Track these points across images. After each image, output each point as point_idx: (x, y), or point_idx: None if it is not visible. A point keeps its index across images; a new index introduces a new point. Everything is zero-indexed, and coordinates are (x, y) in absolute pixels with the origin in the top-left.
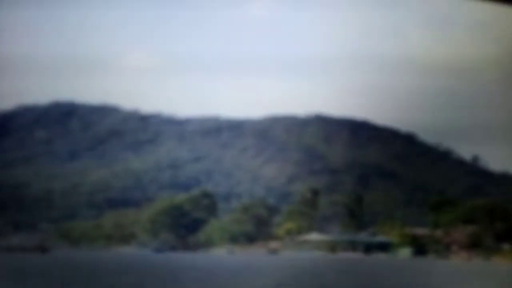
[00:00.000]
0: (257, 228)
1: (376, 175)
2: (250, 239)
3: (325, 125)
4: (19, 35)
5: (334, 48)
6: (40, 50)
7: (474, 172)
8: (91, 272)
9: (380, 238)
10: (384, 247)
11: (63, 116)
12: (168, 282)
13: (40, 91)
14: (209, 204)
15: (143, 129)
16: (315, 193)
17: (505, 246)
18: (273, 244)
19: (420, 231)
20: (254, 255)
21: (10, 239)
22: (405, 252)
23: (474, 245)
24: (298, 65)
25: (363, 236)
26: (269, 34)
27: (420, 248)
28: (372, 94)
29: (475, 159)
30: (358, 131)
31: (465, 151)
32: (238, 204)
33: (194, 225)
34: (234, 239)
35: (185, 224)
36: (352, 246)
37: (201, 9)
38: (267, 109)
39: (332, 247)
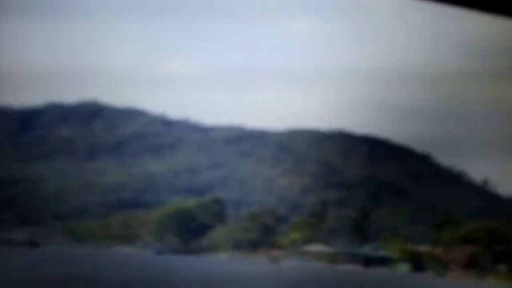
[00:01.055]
0: (262, 236)
1: (388, 192)
2: (254, 246)
3: (346, 141)
4: (55, 43)
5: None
6: (75, 58)
7: (483, 195)
8: (64, 267)
9: (381, 252)
10: (384, 261)
11: (89, 116)
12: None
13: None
14: (218, 211)
15: (166, 134)
16: (324, 205)
17: (501, 267)
18: (276, 253)
19: (421, 248)
20: (254, 262)
21: (13, 233)
22: (403, 267)
23: (471, 264)
24: (325, 78)
25: (365, 250)
26: (300, 48)
27: (418, 264)
28: (395, 112)
29: (485, 182)
30: (377, 149)
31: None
32: (248, 212)
33: (200, 230)
34: (237, 245)
35: (192, 229)
36: (353, 259)
37: (230, 21)
38: (291, 122)
39: (333, 258)
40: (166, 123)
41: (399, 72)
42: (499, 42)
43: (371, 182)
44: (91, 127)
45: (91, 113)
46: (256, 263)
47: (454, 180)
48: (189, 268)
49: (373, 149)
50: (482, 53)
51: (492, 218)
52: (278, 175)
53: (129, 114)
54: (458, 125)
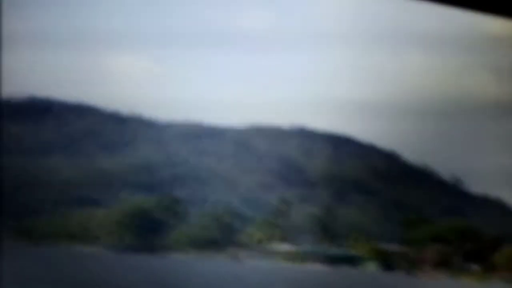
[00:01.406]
0: (225, 236)
1: (354, 190)
2: (216, 246)
3: (309, 139)
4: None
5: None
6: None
7: (454, 194)
8: (20, 267)
9: (347, 251)
10: (351, 260)
11: (39, 112)
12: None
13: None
14: (178, 210)
15: (121, 131)
16: (288, 204)
17: (474, 267)
18: (240, 253)
19: (391, 247)
20: (218, 262)
21: None
22: (371, 266)
23: (442, 264)
24: (285, 74)
25: (331, 249)
26: (259, 42)
27: (388, 263)
28: (359, 108)
29: (457, 181)
30: (341, 147)
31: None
32: (209, 211)
33: (160, 229)
34: (200, 245)
35: (151, 228)
36: (320, 258)
37: (188, 14)
38: (250, 118)
39: (299, 258)
40: (119, 120)
41: (363, 67)
42: (465, 36)
43: (335, 180)
44: (42, 124)
45: (41, 110)
46: (220, 263)
47: (423, 178)
48: (150, 268)
49: (337, 146)
50: (448, 47)
51: (463, 217)
52: (239, 173)
53: (80, 111)
54: (426, 122)
